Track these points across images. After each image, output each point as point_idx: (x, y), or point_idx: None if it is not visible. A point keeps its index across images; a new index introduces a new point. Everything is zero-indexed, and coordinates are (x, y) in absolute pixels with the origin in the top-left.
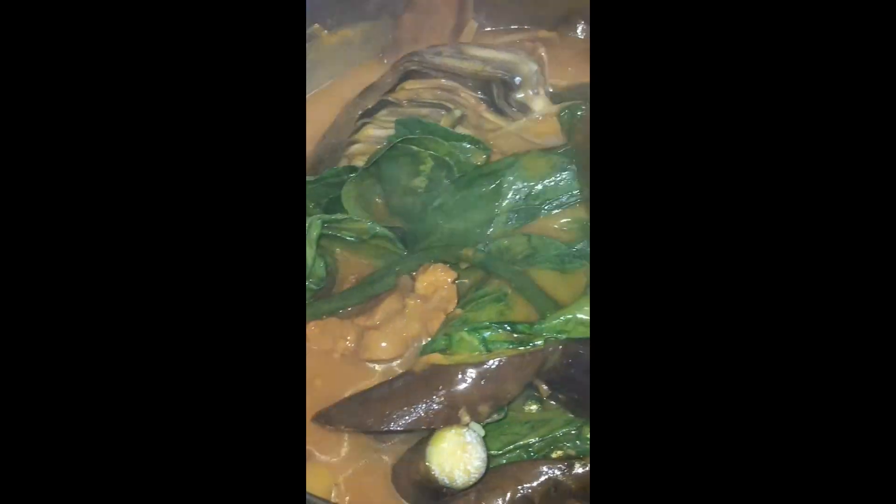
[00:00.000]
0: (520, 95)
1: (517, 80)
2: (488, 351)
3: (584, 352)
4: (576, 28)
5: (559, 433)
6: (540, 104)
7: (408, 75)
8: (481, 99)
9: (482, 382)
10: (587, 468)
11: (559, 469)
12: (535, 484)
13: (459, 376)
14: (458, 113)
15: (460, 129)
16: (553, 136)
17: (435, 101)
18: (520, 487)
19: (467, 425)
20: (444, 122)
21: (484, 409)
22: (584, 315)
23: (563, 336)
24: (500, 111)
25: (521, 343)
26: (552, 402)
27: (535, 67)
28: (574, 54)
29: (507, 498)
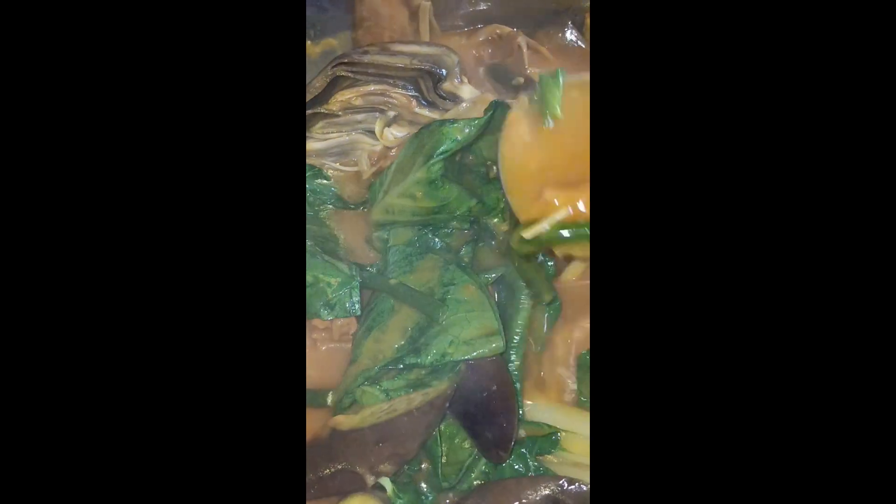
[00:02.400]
0: (446, 85)
1: (442, 71)
2: (390, 399)
3: (484, 379)
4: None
5: None
6: (467, 91)
7: (336, 82)
8: (412, 96)
9: (380, 445)
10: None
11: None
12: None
13: (359, 440)
14: (391, 114)
15: (395, 129)
16: None
17: (368, 107)
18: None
19: (375, 486)
20: (378, 126)
21: (386, 467)
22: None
23: (448, 358)
24: (431, 104)
25: (417, 384)
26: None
27: (455, 59)
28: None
29: None
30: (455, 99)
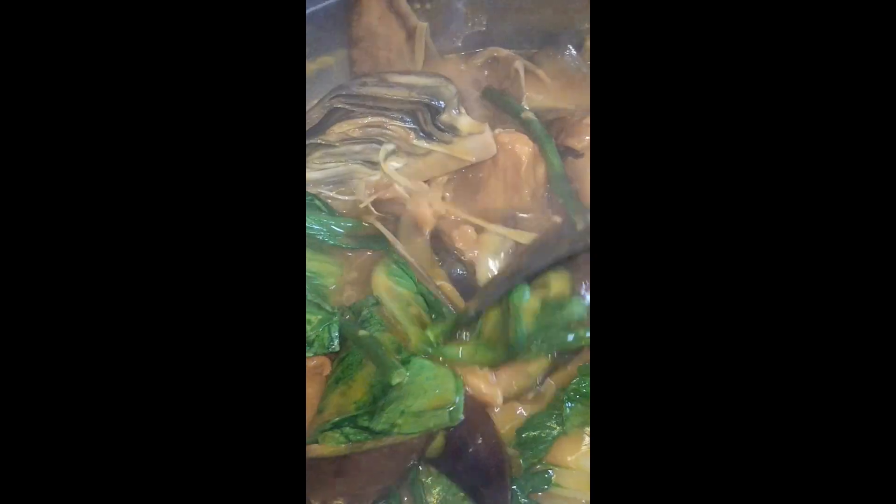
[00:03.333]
0: (443, 117)
1: (441, 103)
2: (350, 442)
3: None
4: (564, 50)
5: None
6: (464, 122)
7: (333, 113)
8: (409, 128)
9: (336, 478)
10: None
11: None
12: None
13: (315, 469)
14: (390, 147)
15: (392, 160)
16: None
17: (366, 138)
18: None
19: None
20: (382, 154)
21: (338, 503)
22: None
23: (396, 430)
24: (428, 136)
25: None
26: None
27: (454, 90)
28: (557, 74)
29: None
30: (453, 131)
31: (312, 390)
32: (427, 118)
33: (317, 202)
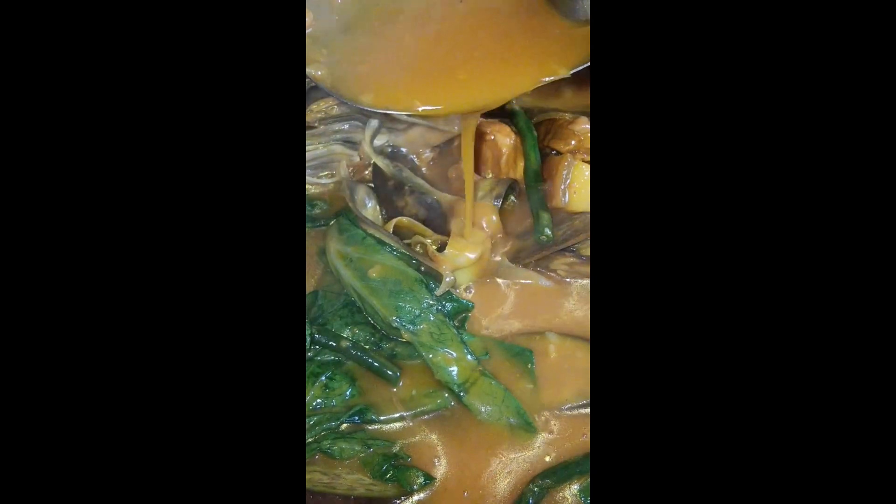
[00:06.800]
0: None
1: None
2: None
3: None
4: None
5: None
6: None
7: (310, 92)
8: None
9: None
10: None
11: None
12: None
13: None
14: (374, 124)
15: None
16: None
17: (346, 116)
18: None
19: None
20: (367, 135)
21: None
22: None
23: None
24: None
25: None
26: None
27: None
28: None
29: None
30: None
31: None
32: None
33: None
